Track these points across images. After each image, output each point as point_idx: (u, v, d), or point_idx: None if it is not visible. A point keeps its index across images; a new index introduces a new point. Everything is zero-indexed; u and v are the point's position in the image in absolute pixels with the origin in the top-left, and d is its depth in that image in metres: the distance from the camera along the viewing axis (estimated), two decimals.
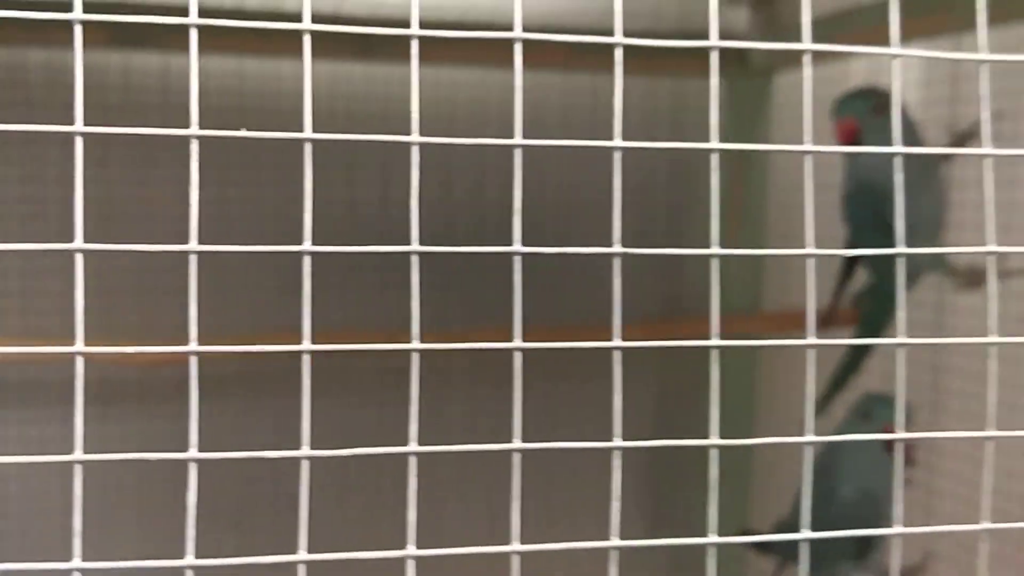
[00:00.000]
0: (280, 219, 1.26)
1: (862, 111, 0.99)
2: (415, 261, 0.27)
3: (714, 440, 0.29)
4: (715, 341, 0.29)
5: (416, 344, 0.27)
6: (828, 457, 1.03)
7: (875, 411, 1.00)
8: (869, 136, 0.98)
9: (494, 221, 1.37)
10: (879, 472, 0.96)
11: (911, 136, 1.03)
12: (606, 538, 0.29)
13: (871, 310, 1.06)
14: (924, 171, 0.97)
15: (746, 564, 1.30)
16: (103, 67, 1.24)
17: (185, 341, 0.26)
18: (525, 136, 0.28)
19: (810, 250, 0.31)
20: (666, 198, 1.44)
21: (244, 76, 1.28)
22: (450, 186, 1.35)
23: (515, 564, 0.28)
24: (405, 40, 0.28)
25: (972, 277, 0.95)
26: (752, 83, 1.37)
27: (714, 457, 0.28)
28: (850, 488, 1.00)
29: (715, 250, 0.29)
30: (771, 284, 1.39)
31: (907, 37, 1.30)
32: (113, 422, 1.26)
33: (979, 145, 1.12)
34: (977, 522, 0.34)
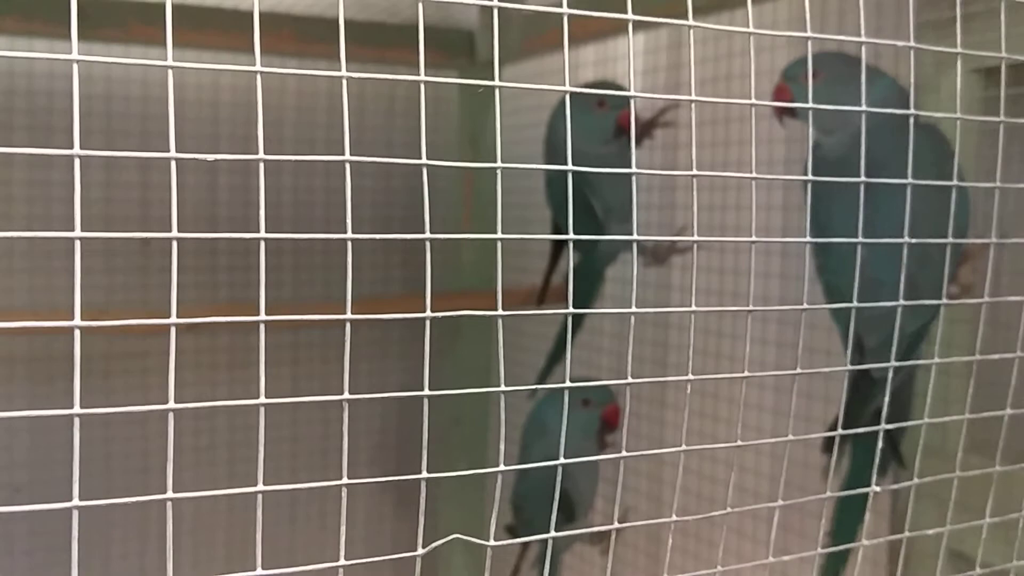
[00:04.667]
0: None
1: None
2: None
3: (424, 392, 0.34)
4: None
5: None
6: (534, 433, 1.13)
7: (593, 396, 1.10)
8: (586, 127, 1.07)
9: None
10: (578, 447, 1.06)
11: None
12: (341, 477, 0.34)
13: (580, 287, 1.14)
14: (619, 158, 1.08)
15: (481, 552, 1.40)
16: None
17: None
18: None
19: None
20: (406, 186, 1.50)
21: None
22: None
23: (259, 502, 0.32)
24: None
25: (657, 255, 1.07)
26: (481, 74, 1.46)
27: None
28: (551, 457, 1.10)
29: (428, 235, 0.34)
30: (503, 264, 1.49)
31: (626, 27, 1.40)
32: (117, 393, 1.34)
33: (664, 129, 1.22)
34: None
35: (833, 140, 0.75)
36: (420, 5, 0.33)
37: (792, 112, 0.82)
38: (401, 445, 1.54)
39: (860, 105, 0.45)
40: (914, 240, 0.44)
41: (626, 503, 1.25)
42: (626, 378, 0.40)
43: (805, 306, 0.41)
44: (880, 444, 0.44)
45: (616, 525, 0.41)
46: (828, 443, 0.76)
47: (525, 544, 1.16)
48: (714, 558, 1.11)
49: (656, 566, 1.22)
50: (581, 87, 1.13)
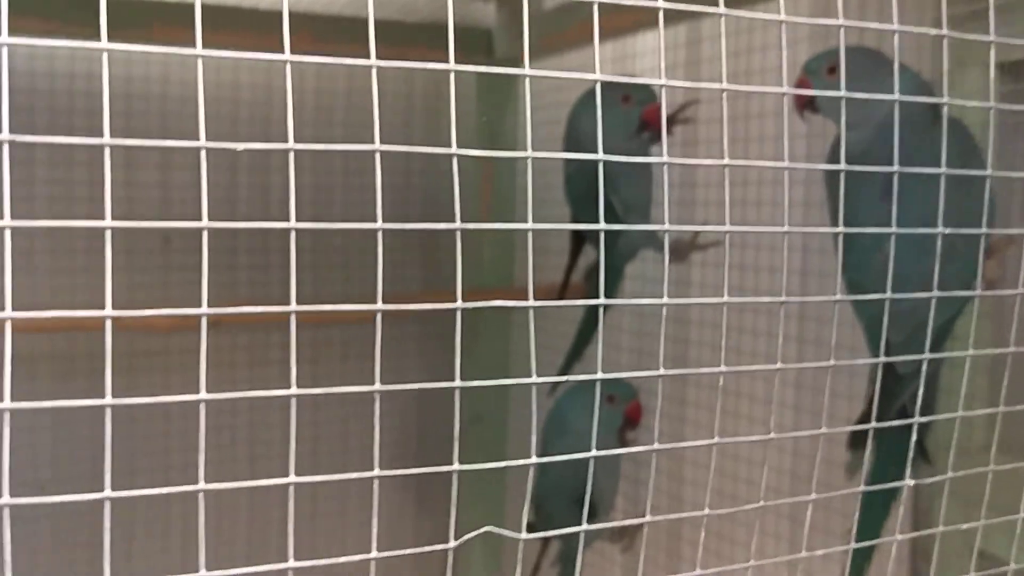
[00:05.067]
0: None
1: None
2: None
3: (458, 383, 0.34)
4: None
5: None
6: (555, 431, 1.13)
7: (616, 392, 1.09)
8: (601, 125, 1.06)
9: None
10: (600, 444, 1.05)
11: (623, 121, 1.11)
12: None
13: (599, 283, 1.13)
14: (641, 153, 1.07)
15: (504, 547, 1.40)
16: None
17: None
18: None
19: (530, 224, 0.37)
20: (424, 184, 1.51)
21: None
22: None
23: (291, 494, 0.32)
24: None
25: (678, 251, 1.06)
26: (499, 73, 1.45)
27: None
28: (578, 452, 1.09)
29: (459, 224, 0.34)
30: (522, 262, 1.49)
31: (644, 25, 1.40)
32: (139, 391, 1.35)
33: (684, 126, 1.21)
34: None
35: (855, 135, 0.74)
36: None
37: (813, 107, 0.81)
38: (419, 446, 1.54)
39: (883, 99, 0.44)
40: (948, 230, 0.44)
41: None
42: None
43: (838, 296, 0.41)
44: (914, 438, 0.44)
45: (648, 518, 0.41)
46: (854, 440, 0.75)
47: (546, 542, 1.16)
48: (734, 555, 1.10)
49: (676, 563, 1.21)
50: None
